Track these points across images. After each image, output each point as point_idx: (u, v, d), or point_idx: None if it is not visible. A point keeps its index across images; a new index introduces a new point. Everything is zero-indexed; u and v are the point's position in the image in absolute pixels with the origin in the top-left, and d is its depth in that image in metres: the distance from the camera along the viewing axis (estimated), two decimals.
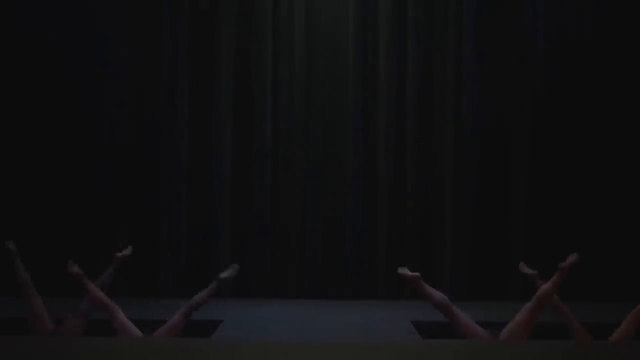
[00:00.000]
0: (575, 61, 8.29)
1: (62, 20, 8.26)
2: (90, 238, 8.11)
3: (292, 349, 5.58)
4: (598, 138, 8.18)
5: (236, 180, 8.26)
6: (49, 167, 8.16)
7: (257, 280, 8.20)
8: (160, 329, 6.12)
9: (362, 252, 8.26)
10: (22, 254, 7.90)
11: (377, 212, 8.29)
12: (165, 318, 6.41)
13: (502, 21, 8.33)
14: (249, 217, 8.24)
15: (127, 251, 6.43)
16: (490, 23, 8.33)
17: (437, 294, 6.21)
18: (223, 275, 6.23)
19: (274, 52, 8.28)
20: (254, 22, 8.31)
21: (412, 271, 7.42)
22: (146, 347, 5.77)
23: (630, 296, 7.32)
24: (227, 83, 8.30)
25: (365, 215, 8.29)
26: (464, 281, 8.12)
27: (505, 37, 8.33)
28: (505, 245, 8.19)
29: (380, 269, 8.25)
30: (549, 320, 6.92)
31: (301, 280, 8.24)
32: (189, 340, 6.04)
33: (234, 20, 8.30)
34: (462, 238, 8.19)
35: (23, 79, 8.22)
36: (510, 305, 6.63)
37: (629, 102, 8.19)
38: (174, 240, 8.17)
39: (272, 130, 8.28)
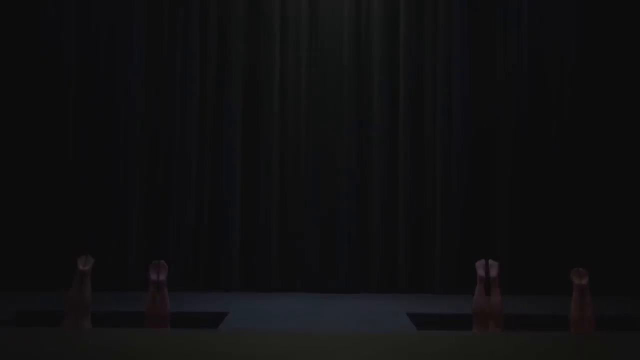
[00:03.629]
0: (558, 78, 8.29)
1: (76, 26, 8.14)
2: (102, 236, 8.00)
3: (296, 339, 5.48)
4: (577, 148, 8.15)
5: (245, 181, 8.19)
6: (64, 168, 8.04)
7: (262, 275, 8.11)
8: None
9: (356, 249, 8.18)
10: (30, 250, 7.88)
11: (371, 210, 8.22)
12: (174, 310, 6.32)
13: (489, 39, 8.30)
14: (255, 215, 8.17)
15: (88, 265, 6.23)
16: (478, 39, 8.29)
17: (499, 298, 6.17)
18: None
19: (281, 65, 8.27)
20: (263, 34, 8.28)
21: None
22: (155, 338, 5.68)
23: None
24: (236, 88, 8.24)
25: (359, 214, 8.24)
26: (453, 275, 8.04)
27: (491, 54, 8.29)
28: (491, 242, 8.12)
29: (373, 265, 8.14)
30: (538, 313, 6.89)
31: (300, 275, 8.13)
32: (196, 332, 5.94)
33: (244, 32, 8.26)
34: (451, 234, 8.13)
35: (38, 85, 8.14)
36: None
37: (611, 114, 8.14)
38: (183, 237, 8.06)
39: (279, 133, 8.20)
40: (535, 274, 7.99)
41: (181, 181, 8.14)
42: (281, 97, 8.25)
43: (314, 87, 8.29)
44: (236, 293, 7.87)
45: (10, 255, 7.93)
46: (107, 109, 8.15)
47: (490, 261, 6.33)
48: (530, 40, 8.27)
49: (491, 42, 8.28)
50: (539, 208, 8.16)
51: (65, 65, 8.16)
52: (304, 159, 8.25)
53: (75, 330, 6.08)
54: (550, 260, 7.98)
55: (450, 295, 7.82)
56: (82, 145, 8.13)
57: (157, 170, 8.19)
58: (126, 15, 8.21)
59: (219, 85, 8.26)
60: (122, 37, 8.21)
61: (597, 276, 6.83)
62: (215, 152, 8.23)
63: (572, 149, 8.19)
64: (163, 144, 8.21)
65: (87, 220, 8.03)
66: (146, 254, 7.88)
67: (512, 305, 6.67)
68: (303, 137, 8.26)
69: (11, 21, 8.14)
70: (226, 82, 8.25)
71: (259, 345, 5.29)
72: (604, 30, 8.22)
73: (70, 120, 8.13)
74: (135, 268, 7.90)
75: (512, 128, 8.21)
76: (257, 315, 6.81)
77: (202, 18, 8.26)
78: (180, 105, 8.21)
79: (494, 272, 6.25)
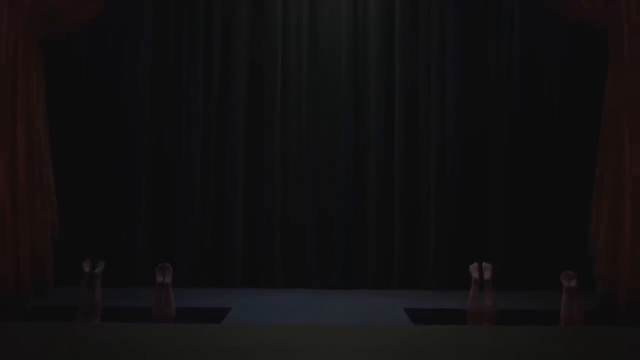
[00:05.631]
0: (549, 78, 8.32)
1: (88, 32, 8.19)
2: (109, 234, 8.04)
3: (297, 333, 5.52)
4: (568, 147, 8.22)
5: (247, 181, 8.23)
6: (70, 167, 8.08)
7: (263, 272, 8.17)
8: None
9: (354, 247, 8.24)
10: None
11: (368, 209, 8.26)
12: (179, 306, 6.38)
13: (482, 42, 8.32)
14: (257, 215, 8.23)
15: (99, 268, 6.36)
16: (471, 43, 8.32)
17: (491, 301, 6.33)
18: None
19: (283, 66, 8.31)
20: (265, 35, 8.31)
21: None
22: (161, 332, 5.73)
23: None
24: (240, 89, 8.27)
25: (357, 212, 8.28)
26: (447, 272, 8.09)
27: (484, 56, 8.31)
28: (484, 239, 8.17)
29: (370, 263, 8.20)
30: (525, 308, 6.94)
31: (300, 272, 8.19)
32: (200, 326, 5.99)
33: (247, 35, 8.29)
34: (446, 232, 8.17)
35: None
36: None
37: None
38: (188, 235, 8.13)
39: (280, 133, 8.26)
40: (528, 271, 8.03)
41: (186, 180, 8.18)
42: (283, 98, 8.29)
43: (313, 88, 8.33)
44: (238, 289, 7.89)
45: None
46: (114, 110, 8.18)
47: (484, 264, 6.43)
48: (522, 41, 8.29)
49: (484, 43, 8.31)
50: (531, 206, 8.20)
51: (73, 65, 8.19)
52: (304, 159, 8.30)
53: (84, 324, 6.13)
54: (543, 256, 8.02)
55: (445, 291, 7.85)
56: (88, 145, 8.16)
57: (163, 170, 8.22)
58: (134, 17, 8.24)
59: (222, 86, 8.30)
60: (130, 38, 8.24)
61: (589, 272, 6.94)
62: (219, 152, 8.26)
63: (563, 149, 8.23)
64: (168, 144, 8.24)
65: (93, 218, 8.06)
66: (153, 252, 7.94)
67: (506, 301, 6.73)
68: (304, 137, 8.30)
69: None
70: (229, 83, 8.29)
71: (261, 338, 5.34)
72: (595, 31, 8.27)
73: (77, 120, 8.16)
74: (141, 266, 7.94)
75: (505, 128, 8.24)
76: (258, 310, 6.85)
77: (207, 19, 8.30)
78: (185, 106, 8.24)
79: (487, 275, 6.35)
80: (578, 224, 8.12)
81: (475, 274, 6.38)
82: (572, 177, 8.19)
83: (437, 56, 8.28)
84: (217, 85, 8.29)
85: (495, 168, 8.26)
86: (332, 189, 8.27)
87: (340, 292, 7.93)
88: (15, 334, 5.51)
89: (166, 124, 8.25)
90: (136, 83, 8.22)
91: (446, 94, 8.27)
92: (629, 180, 6.24)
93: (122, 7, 8.21)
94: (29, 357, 4.94)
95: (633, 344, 5.36)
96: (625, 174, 6.31)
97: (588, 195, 8.15)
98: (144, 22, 8.27)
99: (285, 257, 8.20)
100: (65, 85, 8.17)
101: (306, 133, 8.31)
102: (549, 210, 8.19)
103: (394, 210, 8.23)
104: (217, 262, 8.15)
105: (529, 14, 8.34)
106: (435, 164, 8.22)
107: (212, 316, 6.48)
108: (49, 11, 6.52)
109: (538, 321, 6.36)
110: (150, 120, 8.21)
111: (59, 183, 8.04)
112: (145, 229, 8.12)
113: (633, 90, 6.41)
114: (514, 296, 7.28)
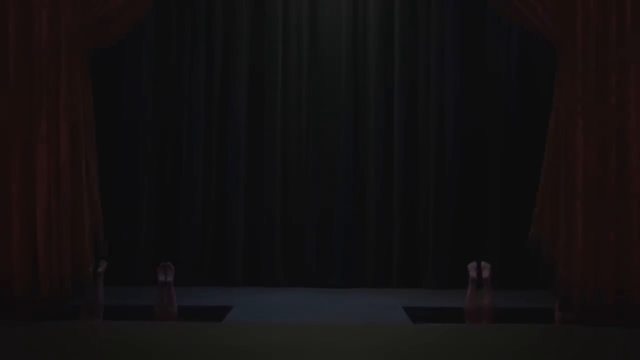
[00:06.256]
0: (545, 80, 8.27)
1: None
2: (112, 235, 8.07)
3: (297, 331, 5.57)
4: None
5: (248, 181, 8.28)
6: None
7: (264, 271, 8.22)
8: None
9: (354, 246, 8.28)
10: None
11: (368, 209, 8.29)
12: (180, 304, 6.43)
13: (481, 42, 8.34)
14: (258, 214, 8.27)
15: (102, 267, 6.45)
16: (470, 43, 8.34)
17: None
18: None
19: (283, 67, 8.34)
20: (266, 36, 8.34)
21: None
22: (163, 330, 5.78)
23: None
24: (241, 90, 8.30)
25: (356, 212, 8.31)
26: (446, 270, 8.13)
27: (483, 56, 8.34)
28: (483, 238, 8.21)
29: (370, 262, 8.24)
30: (523, 307, 6.99)
31: (300, 271, 8.23)
32: (202, 324, 6.05)
33: (248, 36, 8.33)
34: (445, 232, 8.20)
35: None
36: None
37: None
38: (190, 235, 8.17)
39: (281, 133, 8.30)
40: (526, 270, 8.07)
41: (187, 180, 8.22)
42: (283, 98, 8.33)
43: (314, 88, 8.36)
44: (239, 288, 7.92)
45: None
46: (116, 110, 8.20)
47: (483, 263, 6.48)
48: (520, 41, 8.27)
49: (482, 43, 8.31)
50: (529, 205, 8.17)
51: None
52: (304, 159, 8.34)
53: (87, 323, 6.18)
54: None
55: (444, 290, 7.89)
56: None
57: (164, 170, 8.25)
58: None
59: (223, 87, 8.33)
60: (131, 38, 8.23)
61: None
62: (220, 152, 8.30)
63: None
64: (170, 144, 8.27)
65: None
66: (154, 251, 7.98)
67: (504, 300, 6.77)
68: (304, 137, 8.34)
69: None
70: (230, 83, 8.32)
71: (261, 336, 5.39)
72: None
73: None
74: (143, 265, 7.98)
75: (504, 127, 8.25)
76: (259, 309, 6.89)
77: (208, 19, 8.31)
78: (187, 107, 8.27)
79: (486, 274, 6.40)
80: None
81: (473, 273, 6.43)
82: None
83: (437, 56, 8.32)
84: (218, 86, 8.34)
85: (494, 168, 8.29)
86: (332, 189, 8.31)
87: (340, 291, 7.95)
88: (19, 333, 5.56)
89: (167, 124, 8.29)
90: (138, 83, 8.26)
91: (445, 94, 8.32)
92: (580, 181, 6.22)
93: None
94: (32, 356, 4.99)
95: (628, 343, 5.42)
96: (577, 175, 6.25)
97: None
98: (146, 22, 8.30)
99: (285, 256, 8.25)
100: None
101: (306, 133, 8.36)
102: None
103: (393, 210, 8.27)
104: (218, 262, 8.20)
105: None
106: (434, 164, 8.27)
107: (214, 315, 6.52)
108: (92, 12, 6.46)
109: (535, 319, 6.40)
110: (151, 120, 8.26)
111: None
112: (147, 228, 8.16)
113: (586, 92, 6.29)
114: (512, 295, 7.31)
